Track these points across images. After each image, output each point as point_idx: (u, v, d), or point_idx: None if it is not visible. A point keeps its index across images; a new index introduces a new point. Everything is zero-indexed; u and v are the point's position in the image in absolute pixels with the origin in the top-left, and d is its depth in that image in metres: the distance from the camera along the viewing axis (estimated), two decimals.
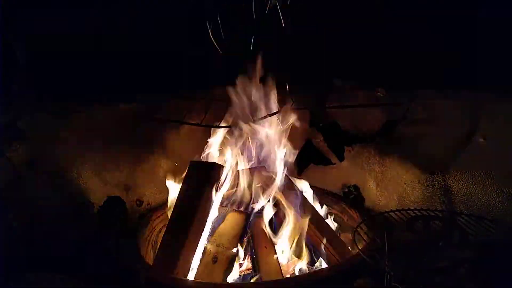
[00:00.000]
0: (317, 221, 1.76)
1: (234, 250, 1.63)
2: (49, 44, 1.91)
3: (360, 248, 1.48)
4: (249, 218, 1.74)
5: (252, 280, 1.62)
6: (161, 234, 1.81)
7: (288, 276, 1.68)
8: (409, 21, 1.94)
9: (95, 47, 2.02)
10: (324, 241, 1.68)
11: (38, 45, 1.89)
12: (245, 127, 1.79)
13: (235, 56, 1.86)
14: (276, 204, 1.74)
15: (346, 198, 2.12)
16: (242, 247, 1.68)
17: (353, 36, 2.10)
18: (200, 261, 1.62)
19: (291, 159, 1.86)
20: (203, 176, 1.75)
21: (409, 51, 1.94)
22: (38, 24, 1.86)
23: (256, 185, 1.77)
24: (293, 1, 1.82)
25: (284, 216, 1.72)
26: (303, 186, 1.91)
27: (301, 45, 2.09)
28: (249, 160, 1.86)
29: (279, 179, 1.75)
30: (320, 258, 1.71)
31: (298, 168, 2.22)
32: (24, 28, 1.82)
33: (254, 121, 1.76)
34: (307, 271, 1.70)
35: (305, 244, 1.73)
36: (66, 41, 1.94)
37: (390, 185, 1.94)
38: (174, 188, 1.84)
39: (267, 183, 1.76)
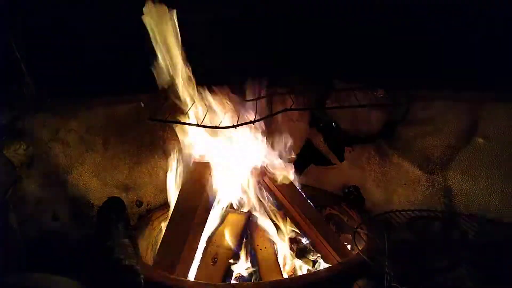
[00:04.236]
0: (317, 222, 1.76)
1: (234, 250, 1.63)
2: (49, 44, 1.91)
3: (360, 248, 1.48)
4: (249, 218, 1.75)
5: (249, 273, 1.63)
6: (161, 234, 1.81)
7: (288, 276, 1.68)
8: (409, 21, 1.94)
9: (95, 47, 2.01)
10: (324, 241, 1.68)
11: (38, 44, 1.89)
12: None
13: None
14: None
15: (346, 199, 2.12)
16: (242, 247, 1.68)
17: (353, 36, 2.10)
18: (200, 261, 1.62)
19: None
20: (204, 176, 1.76)
21: (409, 51, 1.94)
22: (38, 23, 1.86)
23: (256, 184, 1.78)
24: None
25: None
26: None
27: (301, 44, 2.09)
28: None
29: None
30: (320, 258, 1.71)
31: (298, 168, 2.22)
32: (24, 27, 1.82)
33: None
34: (307, 272, 1.70)
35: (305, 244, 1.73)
36: (66, 40, 1.94)
37: (390, 186, 1.94)
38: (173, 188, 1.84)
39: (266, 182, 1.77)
